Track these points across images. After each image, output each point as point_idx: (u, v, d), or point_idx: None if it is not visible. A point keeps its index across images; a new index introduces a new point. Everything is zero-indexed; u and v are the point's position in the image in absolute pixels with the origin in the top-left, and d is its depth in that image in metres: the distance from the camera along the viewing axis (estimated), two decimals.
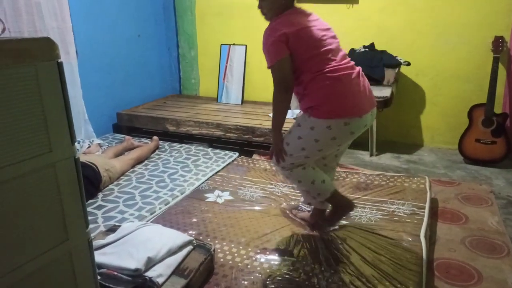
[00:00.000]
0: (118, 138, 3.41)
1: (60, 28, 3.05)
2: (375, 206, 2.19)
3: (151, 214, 2.16)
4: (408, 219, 2.03)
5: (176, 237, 1.65)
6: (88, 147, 3.06)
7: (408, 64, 3.34)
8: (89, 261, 1.13)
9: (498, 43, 3.05)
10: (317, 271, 1.64)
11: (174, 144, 3.29)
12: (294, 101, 3.88)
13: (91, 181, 2.32)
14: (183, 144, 3.29)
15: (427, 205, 2.16)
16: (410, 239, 1.86)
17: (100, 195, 2.37)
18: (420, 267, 1.66)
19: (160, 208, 2.22)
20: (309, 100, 1.70)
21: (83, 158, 2.40)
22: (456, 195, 2.55)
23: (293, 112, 3.65)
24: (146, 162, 2.91)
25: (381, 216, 2.07)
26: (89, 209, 2.16)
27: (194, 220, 2.05)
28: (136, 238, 1.62)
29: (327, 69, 1.66)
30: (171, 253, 1.58)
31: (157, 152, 3.11)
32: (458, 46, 3.36)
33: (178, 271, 1.53)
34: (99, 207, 2.22)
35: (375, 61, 3.34)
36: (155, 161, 2.92)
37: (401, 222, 2.01)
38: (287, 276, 1.62)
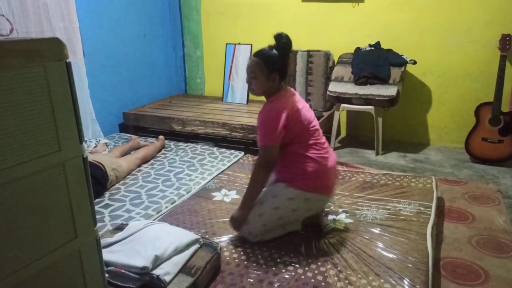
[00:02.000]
0: (124, 138, 3.43)
1: (67, 28, 3.07)
2: (381, 205, 2.18)
3: (157, 213, 2.17)
4: (414, 218, 2.03)
5: (183, 235, 1.66)
6: (95, 146, 3.08)
7: (414, 62, 3.32)
8: (97, 259, 1.14)
9: (505, 41, 3.02)
10: (323, 268, 1.65)
11: (180, 143, 3.30)
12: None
13: (98, 180, 2.34)
14: (189, 143, 3.31)
15: (433, 205, 2.15)
16: (416, 237, 1.85)
17: (107, 194, 2.39)
18: (426, 265, 1.65)
19: (166, 207, 2.23)
20: (292, 172, 1.78)
21: (90, 158, 2.42)
22: (463, 194, 2.54)
23: None
24: (152, 161, 2.92)
25: (387, 215, 2.07)
26: (96, 208, 2.17)
27: (201, 218, 2.06)
28: (143, 236, 1.64)
29: (314, 148, 1.79)
30: (178, 251, 1.58)
31: (163, 151, 3.13)
32: (465, 45, 3.34)
33: (185, 269, 1.54)
34: (106, 206, 2.24)
35: (380, 60, 3.33)
36: (161, 160, 2.94)
37: (408, 221, 2.00)
38: (293, 274, 1.62)
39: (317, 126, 1.84)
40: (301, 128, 1.76)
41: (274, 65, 1.74)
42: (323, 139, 1.86)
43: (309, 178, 1.77)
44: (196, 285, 1.51)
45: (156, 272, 1.46)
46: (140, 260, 1.47)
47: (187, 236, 1.67)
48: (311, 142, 1.79)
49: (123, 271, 1.47)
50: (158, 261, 1.50)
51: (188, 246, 1.63)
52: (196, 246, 1.66)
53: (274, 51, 1.75)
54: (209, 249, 1.66)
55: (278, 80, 1.77)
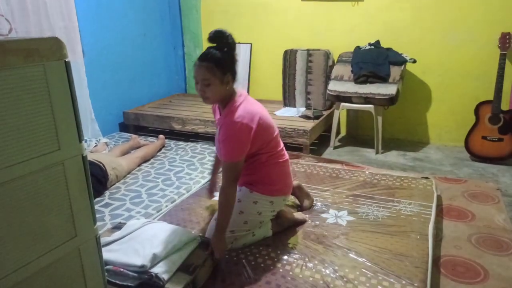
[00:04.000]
0: (124, 137, 3.44)
1: (67, 27, 3.08)
2: (382, 204, 2.19)
3: (157, 212, 2.18)
4: (415, 218, 2.03)
5: (181, 233, 1.67)
6: (95, 145, 3.08)
7: (414, 61, 3.32)
8: (97, 257, 1.15)
9: (505, 39, 3.02)
10: (321, 267, 1.65)
11: (180, 143, 3.30)
12: (299, 99, 3.89)
13: (98, 179, 2.34)
14: (189, 143, 3.31)
15: (433, 205, 2.16)
16: (416, 236, 1.86)
17: (107, 193, 2.39)
18: (425, 264, 1.66)
19: (166, 206, 2.24)
20: (257, 177, 1.76)
21: (90, 157, 2.43)
22: (463, 192, 2.54)
23: (299, 110, 3.66)
24: (152, 160, 2.93)
25: (388, 214, 2.07)
26: (96, 207, 2.18)
27: (200, 217, 2.06)
28: (142, 235, 1.64)
29: (278, 153, 1.79)
30: (176, 249, 1.59)
31: (163, 150, 3.13)
32: (465, 43, 3.34)
33: (183, 267, 1.54)
34: (106, 205, 2.25)
35: (380, 59, 3.33)
36: (161, 159, 2.94)
37: (408, 220, 2.01)
38: (290, 273, 1.62)
39: (277, 131, 1.81)
40: (267, 136, 1.72)
41: (226, 66, 1.59)
42: (282, 143, 1.85)
43: (274, 184, 1.78)
44: (195, 283, 1.52)
45: (154, 270, 1.46)
46: (138, 258, 1.48)
47: (185, 234, 1.67)
48: (275, 148, 1.78)
49: (122, 269, 1.47)
50: (156, 259, 1.50)
51: (186, 244, 1.63)
52: (194, 244, 1.66)
53: (221, 51, 1.59)
54: (207, 247, 1.66)
55: (232, 82, 1.65)
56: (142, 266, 1.45)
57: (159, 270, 1.47)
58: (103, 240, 1.62)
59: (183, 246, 1.62)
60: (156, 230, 1.67)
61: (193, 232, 1.78)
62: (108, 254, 1.52)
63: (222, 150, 1.63)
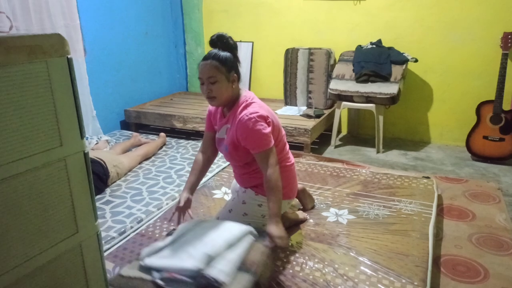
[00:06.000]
0: (125, 135, 3.44)
1: (68, 26, 3.08)
2: (383, 203, 2.19)
3: (158, 209, 2.18)
4: (415, 217, 2.03)
5: (232, 228, 1.55)
6: (96, 143, 3.09)
7: (416, 60, 3.32)
8: (98, 253, 1.15)
9: (507, 39, 3.02)
10: (321, 265, 1.65)
11: (181, 141, 3.31)
12: (300, 98, 3.89)
13: (99, 177, 2.35)
14: (190, 141, 3.32)
15: (434, 204, 2.16)
16: (416, 236, 1.86)
17: (108, 190, 2.40)
18: (425, 263, 1.66)
19: (167, 204, 2.24)
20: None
21: (91, 154, 2.43)
22: (464, 192, 2.54)
23: (300, 109, 3.66)
24: (153, 158, 2.93)
25: (388, 213, 2.08)
26: (97, 204, 2.18)
27: (201, 216, 2.07)
28: (193, 236, 1.54)
29: (285, 156, 1.78)
30: (231, 246, 1.46)
31: (164, 148, 3.14)
32: (467, 43, 3.34)
33: (243, 266, 1.40)
34: (107, 203, 2.25)
35: (382, 58, 3.33)
36: (162, 157, 2.95)
37: (408, 220, 2.01)
38: (291, 271, 1.62)
39: (284, 132, 1.80)
40: (278, 134, 1.72)
41: (231, 64, 1.62)
42: (287, 145, 1.84)
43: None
44: (259, 283, 1.39)
45: (211, 273, 1.34)
46: (192, 261, 1.37)
47: (237, 228, 1.55)
48: (282, 150, 1.76)
49: (176, 275, 1.36)
50: (210, 260, 1.39)
51: (240, 239, 1.50)
52: (250, 238, 1.52)
53: (224, 52, 1.63)
54: (264, 240, 1.51)
55: (237, 81, 1.66)
56: (197, 269, 1.34)
57: (214, 271, 1.34)
58: (154, 246, 1.53)
59: (237, 241, 1.48)
60: (207, 229, 1.56)
61: (244, 224, 1.64)
62: (160, 260, 1.43)
63: (250, 145, 1.62)
